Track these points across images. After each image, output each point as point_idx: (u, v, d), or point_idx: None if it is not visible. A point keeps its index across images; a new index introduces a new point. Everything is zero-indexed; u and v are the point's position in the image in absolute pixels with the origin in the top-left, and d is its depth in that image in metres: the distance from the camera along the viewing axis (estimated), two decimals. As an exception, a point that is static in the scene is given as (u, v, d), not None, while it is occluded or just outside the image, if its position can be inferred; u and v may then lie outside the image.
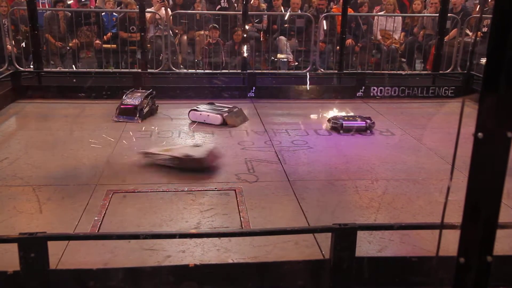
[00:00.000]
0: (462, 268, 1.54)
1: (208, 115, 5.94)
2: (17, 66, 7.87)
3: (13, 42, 8.30)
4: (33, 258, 2.53)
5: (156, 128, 5.76)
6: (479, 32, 8.93)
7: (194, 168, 4.35)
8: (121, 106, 6.11)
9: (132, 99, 6.18)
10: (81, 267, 2.78)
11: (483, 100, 1.41)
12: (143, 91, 6.48)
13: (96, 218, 3.50)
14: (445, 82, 7.99)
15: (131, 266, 2.80)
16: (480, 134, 1.41)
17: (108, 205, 3.70)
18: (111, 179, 4.24)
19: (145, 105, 6.18)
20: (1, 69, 7.89)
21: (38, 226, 3.30)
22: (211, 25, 8.72)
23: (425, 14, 9.54)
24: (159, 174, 4.34)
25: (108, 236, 3.00)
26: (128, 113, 6.07)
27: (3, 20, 8.13)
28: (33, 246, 2.53)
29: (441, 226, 1.67)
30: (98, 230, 3.33)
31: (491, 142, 1.42)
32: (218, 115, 5.90)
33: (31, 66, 7.74)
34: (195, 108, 6.07)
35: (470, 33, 8.93)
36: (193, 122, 5.96)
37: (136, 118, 6.03)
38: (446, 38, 8.38)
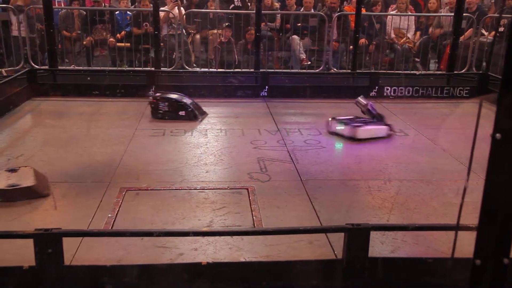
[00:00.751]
0: (478, 270, 1.53)
1: (376, 129, 5.47)
2: (33, 64, 7.95)
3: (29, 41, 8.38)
4: (48, 254, 2.55)
5: (169, 127, 5.77)
6: (494, 32, 8.84)
7: (22, 198, 3.71)
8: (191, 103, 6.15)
9: (186, 99, 6.17)
10: (95, 263, 2.80)
11: (501, 100, 1.40)
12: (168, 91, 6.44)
13: (109, 215, 3.52)
14: (460, 82, 7.90)
15: (144, 263, 2.81)
16: (498, 135, 1.40)
17: (121, 203, 3.72)
18: (125, 176, 4.27)
19: None
20: (17, 67, 7.99)
21: (53, 222, 3.32)
22: (225, 24, 8.73)
23: (440, 14, 9.46)
24: (172, 173, 4.36)
25: (122, 233, 3.01)
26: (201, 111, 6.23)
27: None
28: (48, 242, 2.56)
29: (457, 228, 1.66)
30: (111, 227, 3.35)
31: (509, 142, 1.40)
32: (385, 127, 5.50)
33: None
34: (358, 124, 5.38)
35: (486, 33, 8.85)
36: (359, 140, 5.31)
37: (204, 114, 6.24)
38: (461, 38, 8.31)
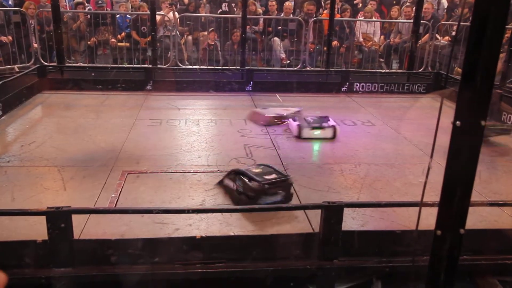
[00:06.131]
0: (438, 239, 1.55)
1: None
2: (42, 61, 7.78)
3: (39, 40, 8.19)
4: (59, 229, 2.51)
5: (165, 117, 5.71)
6: (447, 37, 8.93)
7: None
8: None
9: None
10: (101, 237, 2.76)
11: (461, 92, 1.40)
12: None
13: (113, 195, 3.48)
14: (418, 79, 7.97)
15: (145, 237, 2.78)
16: (458, 122, 1.41)
17: (123, 184, 3.68)
18: (126, 161, 4.21)
19: None
20: (28, 64, 7.81)
21: (63, 201, 3.27)
22: (210, 29, 8.65)
23: (400, 21, 9.49)
24: (168, 158, 4.32)
25: (125, 210, 2.98)
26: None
27: (30, 21, 8.02)
28: (59, 218, 2.52)
29: (421, 204, 1.67)
30: (115, 206, 3.32)
31: (467, 129, 1.41)
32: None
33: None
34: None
35: (440, 38, 8.92)
36: None
37: None
38: (419, 42, 8.37)
